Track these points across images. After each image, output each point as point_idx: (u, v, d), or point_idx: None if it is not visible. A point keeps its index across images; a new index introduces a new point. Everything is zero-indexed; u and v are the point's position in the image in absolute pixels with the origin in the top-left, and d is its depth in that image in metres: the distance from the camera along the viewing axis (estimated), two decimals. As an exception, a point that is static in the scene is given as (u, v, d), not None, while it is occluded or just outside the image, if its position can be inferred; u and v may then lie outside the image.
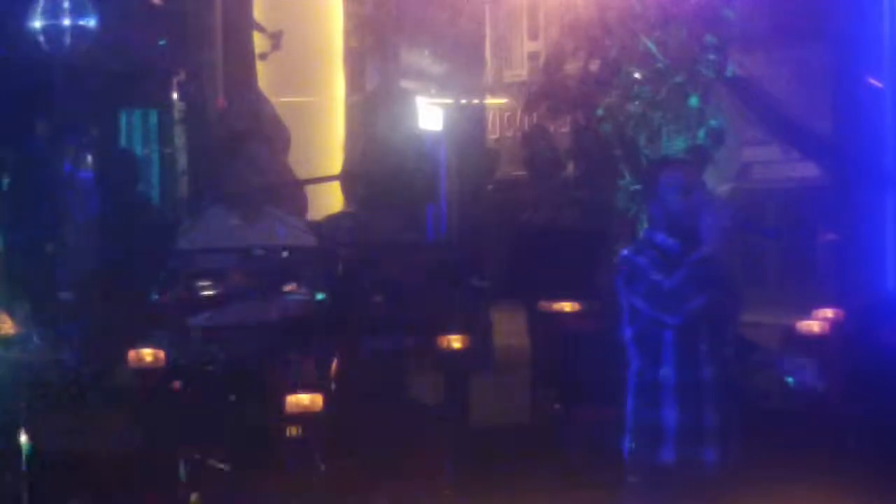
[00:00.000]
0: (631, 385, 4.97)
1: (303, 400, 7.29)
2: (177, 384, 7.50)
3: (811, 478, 7.29)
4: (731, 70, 10.19)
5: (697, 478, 4.84)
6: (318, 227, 9.37)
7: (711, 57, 9.96)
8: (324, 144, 14.22)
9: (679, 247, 4.84)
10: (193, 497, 7.34)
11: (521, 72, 18.48)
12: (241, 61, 12.24)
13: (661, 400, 4.86)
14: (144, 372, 7.51)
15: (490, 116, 18.01)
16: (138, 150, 11.35)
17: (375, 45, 14.92)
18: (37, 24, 9.69)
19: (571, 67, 10.76)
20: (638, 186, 9.34)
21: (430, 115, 13.42)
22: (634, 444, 4.94)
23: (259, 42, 12.78)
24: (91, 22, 9.74)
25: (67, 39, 9.68)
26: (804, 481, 7.23)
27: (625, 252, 4.98)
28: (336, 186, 12.85)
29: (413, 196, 10.59)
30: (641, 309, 4.88)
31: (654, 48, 9.90)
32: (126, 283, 8.99)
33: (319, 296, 7.90)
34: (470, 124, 14.24)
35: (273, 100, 12.97)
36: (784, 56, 13.09)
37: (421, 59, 15.62)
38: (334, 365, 7.82)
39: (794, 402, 8.21)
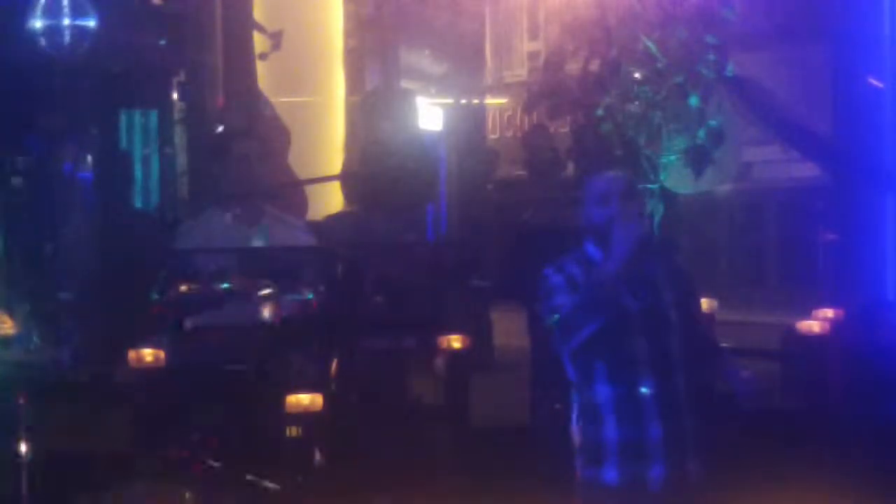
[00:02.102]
0: (574, 402, 4.86)
1: (303, 400, 7.29)
2: (177, 384, 7.49)
3: (810, 479, 7.28)
4: (731, 70, 10.18)
5: (645, 496, 4.71)
6: (318, 227, 9.37)
7: (711, 57, 9.96)
8: (324, 144, 14.22)
9: (603, 259, 4.72)
10: (193, 497, 7.34)
11: (521, 72, 18.50)
12: (241, 61, 12.24)
13: (600, 418, 4.75)
14: (144, 372, 7.51)
15: (490, 116, 18.03)
16: (138, 150, 11.35)
17: (375, 45, 14.94)
18: (37, 24, 9.69)
19: (571, 67, 10.76)
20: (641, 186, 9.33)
21: (430, 115, 13.43)
22: (582, 463, 4.83)
23: (259, 42, 12.78)
24: (91, 22, 9.74)
25: (67, 39, 9.68)
26: (803, 482, 7.22)
27: (547, 269, 4.83)
28: (336, 186, 12.85)
29: (413, 196, 10.58)
30: (549, 330, 4.78)
31: (654, 48, 9.90)
32: (126, 284, 8.99)
33: (318, 296, 7.89)
34: (470, 124, 14.27)
35: (273, 100, 12.97)
36: (784, 56, 13.09)
37: (421, 59, 15.65)
38: (334, 365, 7.81)
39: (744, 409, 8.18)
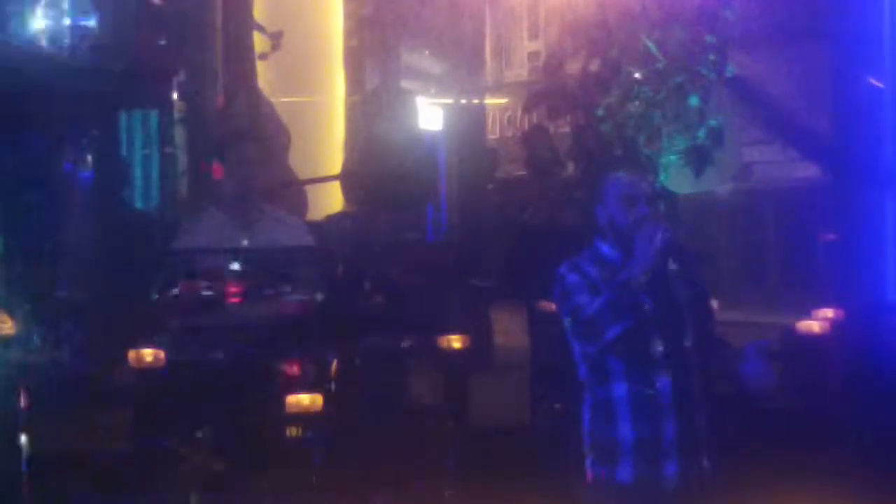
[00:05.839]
0: (585, 401, 4.83)
1: (303, 400, 7.29)
2: (177, 384, 7.49)
3: (810, 478, 7.28)
4: (731, 70, 10.19)
5: (659, 496, 4.69)
6: (318, 227, 9.37)
7: (711, 57, 9.96)
8: (324, 144, 14.22)
9: (622, 259, 4.69)
10: (193, 497, 7.34)
11: (521, 72, 18.49)
12: (241, 61, 12.24)
13: (614, 416, 4.72)
14: (144, 372, 7.51)
15: (490, 116, 18.02)
16: (138, 150, 11.35)
17: (375, 45, 14.92)
18: (37, 24, 9.69)
19: (571, 67, 10.76)
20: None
21: (430, 115, 13.43)
22: (593, 462, 4.80)
23: (259, 42, 12.78)
24: (91, 22, 9.74)
25: (67, 39, 9.68)
26: (803, 482, 7.23)
27: (562, 268, 4.81)
28: (336, 186, 12.86)
29: (413, 196, 10.59)
30: (567, 330, 4.74)
31: (654, 48, 9.90)
32: (126, 284, 8.99)
33: (319, 296, 7.90)
34: (470, 124, 14.26)
35: (273, 100, 12.98)
36: (784, 56, 13.08)
37: (421, 59, 15.63)
38: (334, 365, 7.82)
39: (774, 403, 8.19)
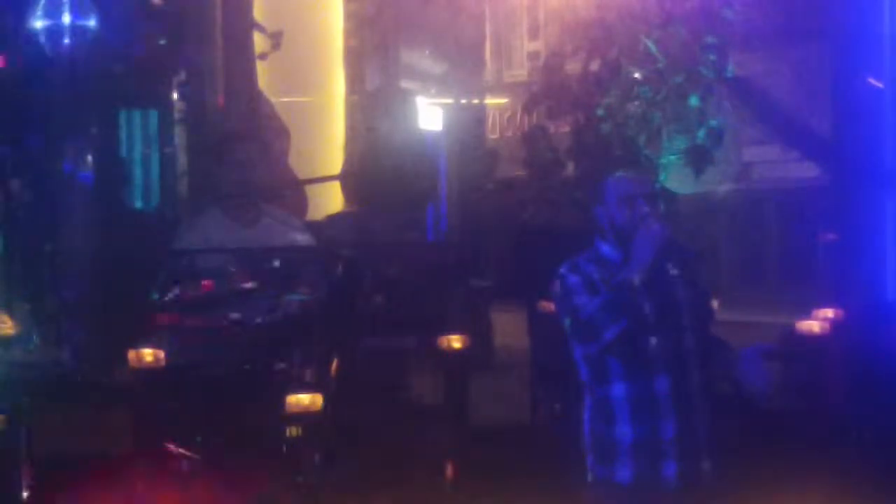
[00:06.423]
0: (585, 402, 4.82)
1: (303, 400, 7.29)
2: (177, 384, 7.49)
3: (811, 478, 7.28)
4: (731, 70, 10.20)
5: (659, 496, 4.69)
6: (318, 227, 9.37)
7: (711, 57, 9.98)
8: (324, 144, 14.22)
9: (622, 259, 4.69)
10: (193, 497, 7.34)
11: (521, 72, 18.52)
12: (241, 61, 12.23)
13: (614, 417, 4.71)
14: (144, 372, 7.51)
15: (490, 116, 18.04)
16: (138, 150, 11.35)
17: (375, 45, 14.94)
18: (37, 24, 9.69)
19: (571, 67, 10.77)
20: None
21: (430, 115, 13.42)
22: (593, 462, 4.80)
23: (259, 42, 12.78)
24: (91, 22, 9.74)
25: (67, 39, 9.68)
26: (803, 482, 7.23)
27: (562, 269, 4.81)
28: (336, 186, 12.86)
29: (413, 196, 10.58)
30: (567, 330, 4.74)
31: (654, 48, 9.91)
32: (126, 284, 8.99)
33: (318, 296, 7.90)
34: (470, 124, 14.26)
35: (273, 100, 12.98)
36: (784, 56, 13.10)
37: (421, 59, 15.64)
38: (334, 365, 7.81)
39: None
